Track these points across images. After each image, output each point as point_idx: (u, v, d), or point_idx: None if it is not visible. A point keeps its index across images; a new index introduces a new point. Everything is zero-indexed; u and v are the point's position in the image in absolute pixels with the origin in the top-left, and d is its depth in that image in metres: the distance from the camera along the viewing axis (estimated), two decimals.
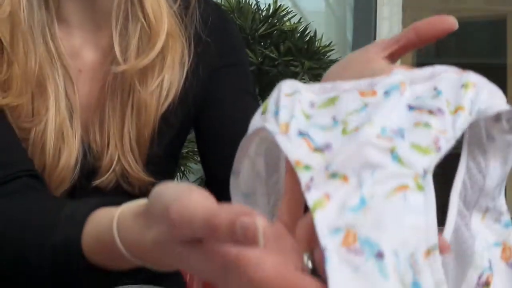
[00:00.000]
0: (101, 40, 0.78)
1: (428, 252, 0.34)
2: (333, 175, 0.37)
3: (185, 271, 1.04)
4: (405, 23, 2.15)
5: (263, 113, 0.46)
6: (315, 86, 0.47)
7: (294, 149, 0.40)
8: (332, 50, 1.72)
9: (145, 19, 0.75)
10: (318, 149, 0.40)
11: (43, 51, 0.73)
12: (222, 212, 0.35)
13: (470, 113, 0.43)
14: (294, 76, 1.67)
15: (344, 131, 0.40)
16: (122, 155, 0.74)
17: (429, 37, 0.55)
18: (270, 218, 0.49)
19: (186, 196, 0.38)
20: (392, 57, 0.56)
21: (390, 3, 2.09)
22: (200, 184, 1.97)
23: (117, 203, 0.51)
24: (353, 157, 0.38)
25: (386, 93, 0.43)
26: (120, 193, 0.76)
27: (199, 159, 1.82)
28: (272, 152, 0.49)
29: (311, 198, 0.36)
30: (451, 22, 0.54)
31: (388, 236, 0.34)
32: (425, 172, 0.38)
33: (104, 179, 0.74)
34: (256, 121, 0.46)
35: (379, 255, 0.33)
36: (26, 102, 0.71)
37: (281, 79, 1.58)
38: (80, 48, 0.78)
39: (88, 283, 0.54)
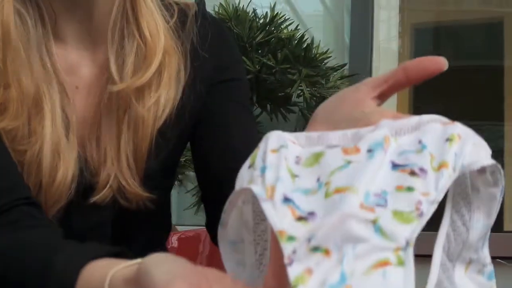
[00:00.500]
0: (98, 57, 0.78)
1: None
2: (315, 249, 0.38)
3: None
4: (402, 26, 2.15)
5: (251, 166, 0.47)
6: (302, 137, 0.48)
7: (278, 219, 0.40)
8: (330, 57, 1.72)
9: (141, 37, 0.75)
10: (303, 218, 0.41)
11: (39, 69, 0.73)
12: None
13: (454, 169, 0.44)
14: (292, 83, 1.67)
15: (326, 194, 0.41)
16: (118, 171, 0.75)
17: (418, 77, 0.55)
18: (258, 267, 0.50)
19: (171, 283, 0.40)
20: (382, 97, 0.56)
21: (387, 7, 2.10)
22: (198, 192, 1.97)
23: (110, 252, 0.52)
24: (335, 230, 0.38)
25: (370, 151, 0.43)
26: (117, 209, 0.76)
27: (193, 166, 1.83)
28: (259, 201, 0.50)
29: (292, 273, 0.37)
30: (441, 63, 0.54)
31: None
32: (407, 244, 0.38)
33: (101, 195, 0.75)
34: (243, 175, 0.47)
35: None
36: (22, 124, 0.71)
37: (278, 87, 1.59)
38: (76, 65, 0.78)
39: None
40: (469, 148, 0.45)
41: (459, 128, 0.46)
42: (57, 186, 0.72)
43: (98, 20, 0.76)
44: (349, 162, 0.43)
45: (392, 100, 2.24)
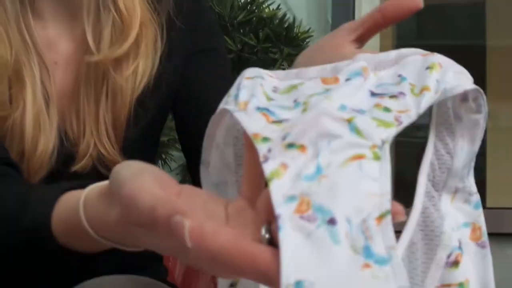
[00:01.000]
0: (75, 32, 0.79)
1: (381, 218, 0.34)
2: (290, 145, 0.37)
3: (168, 258, 1.04)
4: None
5: (226, 102, 0.46)
6: (281, 73, 0.47)
7: (252, 123, 0.40)
8: (311, 36, 1.72)
9: (116, 11, 0.76)
10: (277, 121, 0.40)
11: (19, 43, 0.74)
12: (161, 206, 0.36)
13: (436, 92, 0.43)
14: (274, 62, 1.67)
15: (304, 110, 0.40)
16: (98, 141, 0.76)
17: (395, 17, 0.55)
18: None
19: (137, 179, 0.38)
20: (361, 40, 0.56)
21: None
22: (181, 171, 1.97)
23: (85, 185, 0.52)
24: (310, 127, 0.37)
25: (348, 80, 0.43)
26: (97, 177, 0.77)
27: (180, 146, 1.82)
28: (241, 142, 0.49)
29: (268, 168, 0.36)
30: (416, 1, 0.54)
31: (341, 203, 0.34)
32: (383, 143, 0.38)
33: (81, 164, 0.76)
34: (219, 106, 0.47)
35: (331, 222, 0.33)
36: (3, 90, 0.72)
37: (260, 66, 1.59)
38: (55, 40, 0.79)
39: (62, 266, 0.55)
40: (450, 75, 0.44)
41: (439, 58, 0.45)
42: (38, 155, 0.73)
43: None
44: (327, 90, 0.42)
45: None
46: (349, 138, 0.37)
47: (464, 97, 0.48)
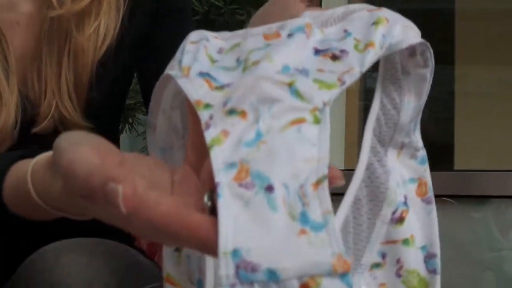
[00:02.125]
0: None
1: (318, 183, 0.34)
2: (231, 112, 0.37)
3: None
4: None
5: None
6: (227, 34, 0.46)
7: (194, 89, 0.39)
8: None
9: None
10: (219, 87, 0.39)
11: None
12: (97, 174, 0.36)
13: (381, 47, 0.42)
14: (240, 24, 1.65)
15: (244, 68, 0.40)
16: (59, 101, 0.74)
17: None
18: None
19: (75, 148, 0.38)
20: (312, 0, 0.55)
21: None
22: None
23: (37, 152, 0.50)
24: (250, 92, 0.37)
25: (290, 35, 0.42)
26: None
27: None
28: None
29: (209, 135, 0.36)
30: None
31: (279, 169, 0.34)
32: (324, 105, 0.37)
33: (42, 126, 0.74)
34: (166, 70, 0.46)
35: (269, 188, 0.33)
36: None
37: (227, 28, 1.57)
38: (16, 1, 0.76)
39: (19, 234, 0.56)
40: (398, 29, 0.44)
41: (386, 13, 0.45)
42: (0, 129, 0.71)
43: None
44: (268, 45, 0.41)
45: None
46: (290, 102, 0.37)
47: (411, 51, 0.47)
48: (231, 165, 0.34)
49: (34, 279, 0.60)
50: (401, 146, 0.49)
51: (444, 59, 2.55)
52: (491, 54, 2.62)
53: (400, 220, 0.47)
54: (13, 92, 0.73)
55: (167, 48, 0.81)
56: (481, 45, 2.60)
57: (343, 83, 0.39)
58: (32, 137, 0.74)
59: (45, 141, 0.73)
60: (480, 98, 2.67)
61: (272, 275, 0.32)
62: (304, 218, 0.33)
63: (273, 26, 0.45)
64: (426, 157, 0.48)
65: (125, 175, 0.35)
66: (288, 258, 0.32)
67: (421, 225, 0.47)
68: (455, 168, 2.19)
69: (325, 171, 0.34)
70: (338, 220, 0.44)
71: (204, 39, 0.45)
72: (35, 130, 0.74)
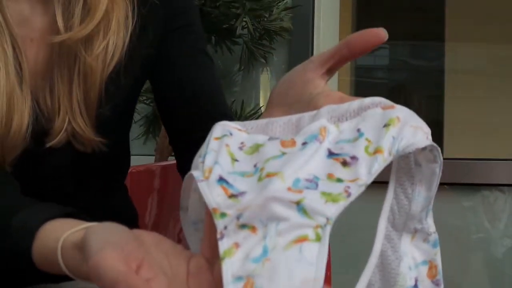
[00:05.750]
0: (49, 9, 0.78)
1: None
2: (243, 226, 0.42)
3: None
4: None
5: (200, 156, 0.48)
6: (250, 123, 0.49)
7: (212, 196, 0.44)
8: None
9: None
10: (234, 196, 0.44)
11: None
12: (122, 282, 0.41)
13: (389, 153, 0.46)
14: (236, 17, 1.66)
15: (259, 178, 0.45)
16: (72, 118, 0.77)
17: (362, 51, 0.56)
18: None
19: (103, 252, 0.43)
20: (330, 72, 0.58)
21: None
22: (145, 123, 1.96)
23: (63, 213, 0.57)
24: (261, 211, 0.42)
25: (304, 144, 0.45)
26: (72, 152, 0.79)
27: (143, 98, 1.82)
28: None
29: (222, 247, 0.41)
30: (381, 35, 0.56)
31: (279, 287, 0.39)
32: (327, 222, 0.42)
33: (57, 140, 0.77)
34: (194, 162, 0.49)
35: None
36: None
37: (223, 20, 1.58)
38: (29, 17, 0.79)
39: (41, 280, 0.62)
40: (407, 129, 0.47)
41: (399, 111, 0.48)
42: (12, 135, 0.74)
43: None
44: (284, 153, 0.45)
45: (335, 27, 2.23)
46: (296, 220, 0.42)
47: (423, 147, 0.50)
48: (238, 278, 0.40)
49: None
50: (415, 231, 0.52)
51: (434, 36, 2.57)
52: (481, 32, 2.64)
53: None
54: (26, 100, 0.76)
55: (181, 62, 0.85)
56: (471, 23, 2.61)
57: (349, 194, 0.43)
58: (44, 151, 0.77)
59: (57, 155, 0.77)
60: (470, 74, 2.71)
61: None
62: None
63: (293, 119, 0.48)
64: (437, 241, 0.52)
65: (145, 286, 0.41)
66: None
67: None
68: (445, 156, 2.23)
69: None
70: None
71: (227, 135, 0.48)
72: (50, 144, 0.77)
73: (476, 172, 1.82)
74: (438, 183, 0.51)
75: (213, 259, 0.44)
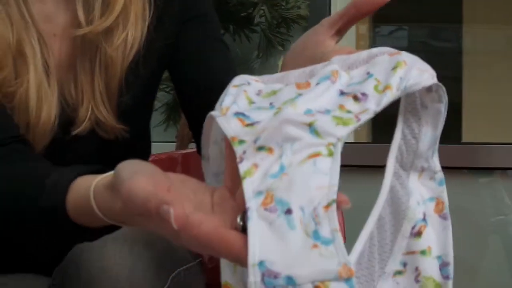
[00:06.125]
0: (71, 5, 0.83)
1: (328, 206, 0.42)
2: (260, 148, 0.45)
3: None
4: None
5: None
6: (267, 76, 0.53)
7: (230, 127, 0.48)
8: None
9: None
10: (250, 124, 0.47)
11: (18, 19, 0.79)
12: (152, 199, 0.44)
13: (397, 89, 0.49)
14: (254, 5, 1.69)
15: (275, 113, 0.47)
16: (95, 107, 0.82)
17: (369, 10, 0.60)
18: None
19: (134, 178, 0.46)
20: (340, 33, 0.61)
21: None
22: (166, 110, 2.00)
23: (91, 171, 0.60)
24: (276, 132, 0.45)
25: (317, 84, 0.49)
26: (97, 139, 0.84)
27: (163, 86, 1.86)
28: None
29: (242, 168, 0.45)
30: None
31: (297, 196, 0.42)
32: (338, 140, 0.45)
33: (81, 128, 0.82)
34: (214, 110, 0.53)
35: (288, 211, 0.42)
36: (9, 68, 0.78)
37: (240, 8, 1.64)
38: (53, 14, 0.83)
39: (75, 236, 0.64)
40: (414, 72, 0.51)
41: (405, 56, 0.51)
42: (42, 124, 0.79)
43: None
44: (299, 95, 0.49)
45: None
46: (309, 139, 0.45)
47: (428, 88, 0.54)
48: (259, 193, 0.43)
49: (84, 266, 0.68)
50: (422, 170, 0.56)
51: (452, 18, 2.57)
52: (498, 13, 2.64)
53: (419, 234, 0.55)
54: (53, 92, 0.81)
55: (198, 50, 0.89)
56: (489, 4, 2.61)
57: (358, 119, 0.47)
58: (70, 139, 0.82)
59: (82, 142, 0.82)
60: (488, 55, 2.71)
61: (290, 280, 0.40)
62: (316, 234, 0.41)
63: (307, 70, 0.52)
64: (443, 179, 0.56)
65: (175, 199, 0.44)
66: (303, 267, 0.40)
67: (437, 238, 0.55)
68: (463, 141, 2.24)
69: (334, 196, 0.43)
70: (364, 234, 0.52)
71: (245, 84, 0.52)
72: (75, 131, 0.82)
73: (495, 156, 1.83)
74: (444, 122, 0.55)
75: (235, 188, 0.47)
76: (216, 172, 0.56)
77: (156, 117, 1.93)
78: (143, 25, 0.83)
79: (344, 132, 0.46)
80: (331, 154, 0.44)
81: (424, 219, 0.55)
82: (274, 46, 1.94)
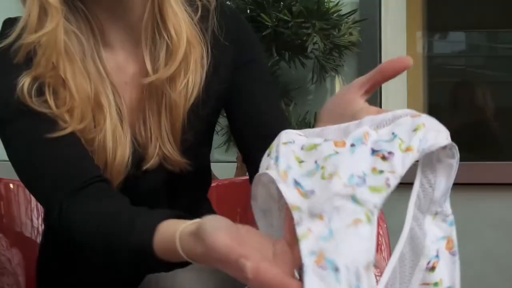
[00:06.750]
0: (138, 56, 0.96)
1: (367, 267, 0.54)
2: (313, 215, 0.57)
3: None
4: None
5: (268, 155, 0.64)
6: (309, 131, 0.65)
7: (291, 195, 0.59)
8: (340, 10, 1.85)
9: (168, 36, 0.92)
10: (305, 194, 0.58)
11: (95, 73, 0.91)
12: (232, 253, 0.57)
13: (417, 151, 0.60)
14: (307, 36, 1.80)
15: (322, 177, 0.59)
16: (162, 144, 0.94)
17: (391, 76, 0.72)
18: (283, 227, 0.68)
19: (215, 233, 0.59)
20: (368, 93, 0.73)
21: None
22: (226, 133, 2.13)
23: (176, 215, 0.72)
24: (326, 204, 0.57)
25: (352, 146, 0.60)
26: (165, 172, 0.96)
27: (222, 112, 1.98)
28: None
29: (299, 231, 0.57)
30: (407, 62, 0.72)
31: (343, 257, 0.54)
32: (375, 207, 0.56)
33: (151, 163, 0.94)
34: (263, 162, 0.65)
35: (336, 269, 0.53)
36: (90, 119, 0.90)
37: (294, 39, 1.78)
38: (123, 64, 0.96)
39: (155, 269, 0.77)
40: (431, 133, 0.62)
41: (424, 119, 0.62)
42: (117, 163, 0.91)
43: (135, 25, 0.94)
44: (337, 152, 0.60)
45: (401, 35, 2.32)
46: (352, 207, 0.56)
47: (444, 146, 0.65)
48: (313, 253, 0.55)
49: None
50: (435, 213, 0.67)
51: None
52: None
53: (433, 268, 0.65)
54: (126, 134, 0.93)
55: (250, 92, 1.01)
56: None
57: (388, 186, 0.58)
58: (142, 173, 0.94)
59: (152, 176, 0.96)
60: None
61: None
62: None
63: (342, 127, 0.64)
64: (453, 221, 0.67)
65: (250, 253, 0.56)
66: None
67: (448, 271, 0.65)
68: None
69: (373, 258, 0.54)
70: (389, 268, 0.63)
71: (291, 142, 0.64)
72: (146, 167, 0.94)
73: None
74: (455, 175, 0.66)
75: (293, 242, 0.58)
76: (264, 210, 0.68)
77: (218, 140, 1.98)
78: (202, 72, 0.94)
79: (378, 200, 0.57)
80: (369, 220, 0.56)
81: (437, 256, 0.66)
82: (327, 71, 2.01)
